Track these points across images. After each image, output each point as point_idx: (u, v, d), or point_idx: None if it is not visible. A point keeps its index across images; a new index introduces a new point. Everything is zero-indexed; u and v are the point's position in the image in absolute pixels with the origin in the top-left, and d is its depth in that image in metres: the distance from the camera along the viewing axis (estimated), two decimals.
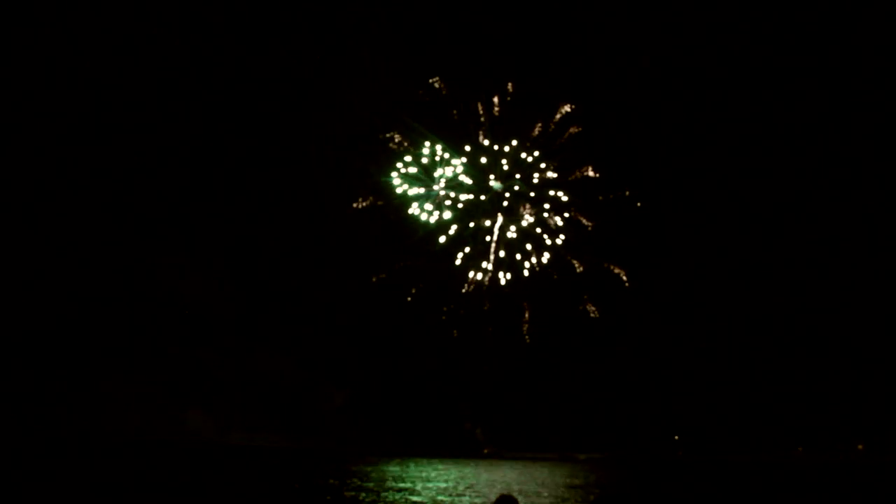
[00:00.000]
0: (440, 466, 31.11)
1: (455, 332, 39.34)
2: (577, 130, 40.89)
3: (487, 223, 40.70)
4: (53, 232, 34.01)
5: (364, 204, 40.21)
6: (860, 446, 37.54)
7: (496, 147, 40.50)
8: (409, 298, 39.70)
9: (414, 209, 40.08)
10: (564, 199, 40.83)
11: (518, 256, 40.87)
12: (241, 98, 37.80)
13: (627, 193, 41.29)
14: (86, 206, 34.56)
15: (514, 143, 40.51)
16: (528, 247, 41.05)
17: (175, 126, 36.41)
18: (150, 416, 33.00)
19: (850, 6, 37.80)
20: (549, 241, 40.99)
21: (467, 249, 40.48)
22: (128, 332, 33.85)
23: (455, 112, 40.44)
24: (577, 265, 41.00)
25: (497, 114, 40.30)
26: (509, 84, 39.96)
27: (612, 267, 40.57)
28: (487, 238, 40.77)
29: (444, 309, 39.71)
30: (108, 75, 35.06)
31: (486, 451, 37.15)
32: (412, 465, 30.63)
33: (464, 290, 40.26)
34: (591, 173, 41.27)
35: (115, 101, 35.41)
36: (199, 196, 36.80)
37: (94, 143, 35.06)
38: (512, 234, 40.88)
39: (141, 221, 35.44)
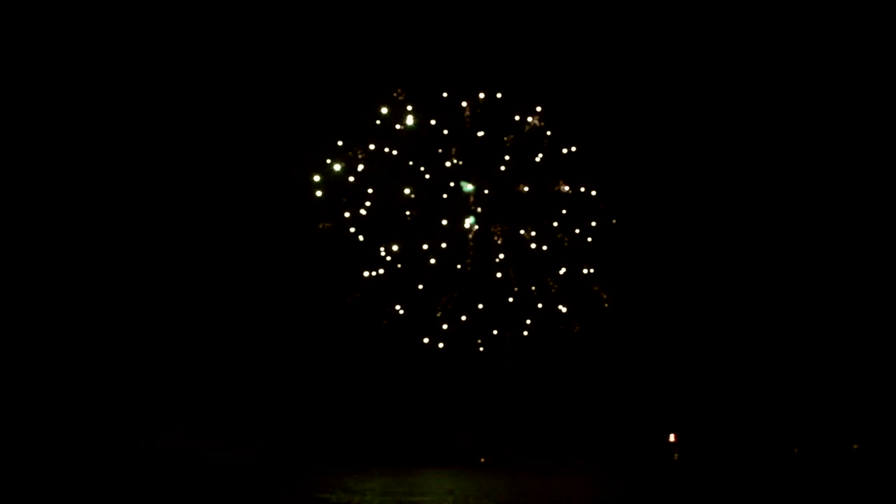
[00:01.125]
0: (441, 476, 29.77)
1: (439, 346, 37.98)
2: (546, 143, 40.24)
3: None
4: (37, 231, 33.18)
5: (329, 224, 38.99)
6: (855, 446, 37.44)
7: (465, 157, 39.45)
8: (384, 321, 38.43)
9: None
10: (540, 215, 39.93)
11: (510, 299, 39.36)
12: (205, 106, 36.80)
13: (602, 207, 40.63)
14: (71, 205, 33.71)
15: (485, 153, 39.49)
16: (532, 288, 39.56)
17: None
18: (124, 429, 31.76)
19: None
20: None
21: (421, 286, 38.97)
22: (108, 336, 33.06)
23: (421, 124, 39.37)
24: (551, 283, 40.03)
25: (468, 124, 39.44)
26: (480, 93, 39.12)
27: (593, 285, 39.80)
28: (459, 266, 39.58)
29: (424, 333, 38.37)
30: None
31: (482, 460, 35.90)
32: (408, 476, 29.22)
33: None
34: (564, 188, 40.54)
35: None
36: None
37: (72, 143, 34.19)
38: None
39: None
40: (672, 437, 36.78)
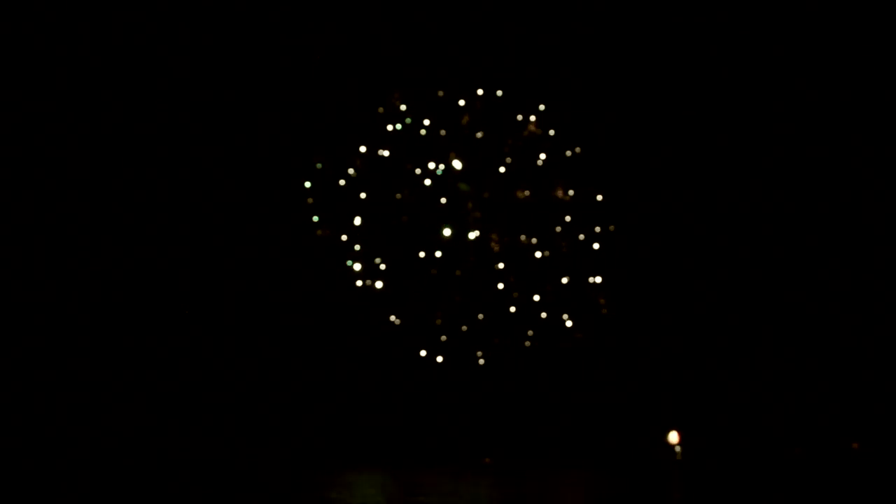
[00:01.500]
0: (443, 476, 29.61)
1: (439, 357, 37.74)
2: (548, 146, 40.13)
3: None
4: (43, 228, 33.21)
5: (327, 232, 38.87)
6: (855, 445, 37.46)
7: (464, 160, 39.26)
8: (382, 329, 38.21)
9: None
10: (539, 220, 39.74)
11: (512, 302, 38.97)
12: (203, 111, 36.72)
13: (605, 213, 40.51)
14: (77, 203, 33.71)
15: (484, 156, 39.35)
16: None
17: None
18: (122, 429, 31.69)
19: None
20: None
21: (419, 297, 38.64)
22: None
23: (420, 128, 39.23)
24: (549, 288, 39.87)
25: (465, 124, 39.30)
26: (478, 90, 38.93)
27: (593, 292, 39.65)
28: (458, 272, 39.37)
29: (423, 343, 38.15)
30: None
31: (486, 460, 35.63)
32: (411, 475, 29.22)
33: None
34: (561, 194, 40.42)
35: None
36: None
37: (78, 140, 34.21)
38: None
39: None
40: (675, 437, 36.62)
